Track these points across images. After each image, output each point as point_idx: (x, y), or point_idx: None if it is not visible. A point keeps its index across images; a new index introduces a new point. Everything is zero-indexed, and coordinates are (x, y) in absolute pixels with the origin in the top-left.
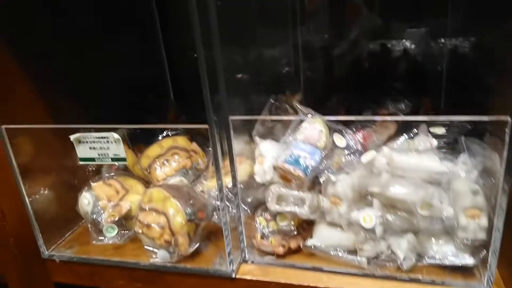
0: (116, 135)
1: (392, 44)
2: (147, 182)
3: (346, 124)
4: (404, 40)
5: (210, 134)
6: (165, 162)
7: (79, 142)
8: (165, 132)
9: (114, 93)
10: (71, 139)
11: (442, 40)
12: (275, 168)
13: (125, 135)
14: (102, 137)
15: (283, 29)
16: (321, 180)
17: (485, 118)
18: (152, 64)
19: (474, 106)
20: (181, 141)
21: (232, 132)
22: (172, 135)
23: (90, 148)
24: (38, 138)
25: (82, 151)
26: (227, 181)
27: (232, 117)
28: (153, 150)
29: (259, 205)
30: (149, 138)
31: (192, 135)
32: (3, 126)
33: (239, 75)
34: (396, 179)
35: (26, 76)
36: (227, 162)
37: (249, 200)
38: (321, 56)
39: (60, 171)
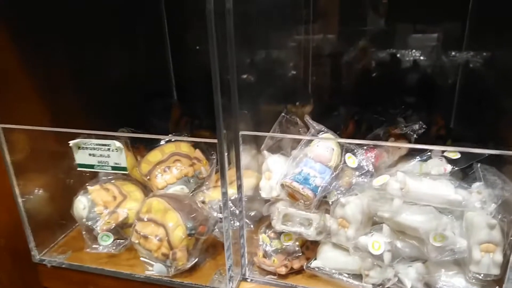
0: (118, 144)
1: (404, 56)
2: (146, 188)
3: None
4: (414, 51)
5: (218, 149)
6: (166, 169)
7: (79, 148)
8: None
9: (117, 92)
10: (70, 145)
11: (456, 54)
12: (283, 185)
13: (127, 142)
14: (103, 145)
15: (294, 40)
16: (330, 201)
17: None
18: (156, 63)
19: (487, 124)
20: (184, 147)
21: (241, 147)
22: (175, 140)
23: (90, 154)
24: (34, 137)
25: (81, 157)
26: (231, 192)
27: (242, 132)
28: (154, 156)
29: (262, 221)
30: (150, 139)
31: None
32: (0, 125)
33: (248, 80)
34: (409, 205)
35: (26, 73)
36: (231, 172)
37: (252, 213)
38: (331, 68)
39: (56, 171)
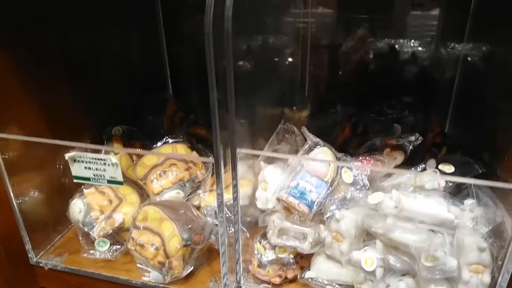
0: (114, 159)
1: (402, 48)
2: (141, 188)
3: (354, 152)
4: (413, 41)
5: (215, 167)
6: (162, 173)
7: (74, 160)
8: (164, 139)
9: (112, 88)
10: (66, 158)
11: (455, 45)
12: (279, 199)
13: (123, 140)
14: (98, 159)
15: (291, 42)
16: (325, 216)
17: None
18: (152, 58)
19: (484, 126)
20: (181, 150)
21: (238, 165)
22: (172, 142)
23: (86, 168)
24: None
25: (77, 170)
26: (226, 198)
27: (239, 150)
28: (150, 158)
29: (257, 228)
30: (146, 136)
31: (192, 145)
32: None
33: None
34: (402, 221)
35: (17, 72)
36: (227, 175)
37: (248, 219)
38: (329, 60)
39: (50, 171)
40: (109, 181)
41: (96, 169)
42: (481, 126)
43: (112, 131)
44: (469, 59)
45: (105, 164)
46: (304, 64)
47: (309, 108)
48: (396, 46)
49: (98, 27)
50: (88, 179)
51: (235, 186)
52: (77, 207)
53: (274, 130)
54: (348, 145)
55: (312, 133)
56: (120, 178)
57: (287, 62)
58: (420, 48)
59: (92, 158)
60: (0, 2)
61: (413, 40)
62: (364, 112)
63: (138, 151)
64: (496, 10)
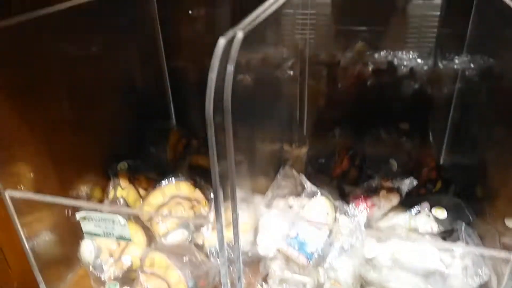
0: (122, 220)
1: (399, 65)
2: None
3: (350, 191)
4: (411, 56)
5: (214, 202)
6: (167, 215)
7: (85, 218)
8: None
9: (115, 122)
10: (77, 218)
11: (455, 57)
12: (279, 251)
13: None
14: (107, 219)
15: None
16: (324, 265)
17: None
18: (154, 87)
19: (478, 160)
20: (184, 188)
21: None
22: (176, 181)
23: (95, 225)
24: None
25: (87, 227)
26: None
27: (239, 193)
28: (155, 198)
29: (259, 267)
30: (150, 167)
31: (195, 182)
32: (7, 192)
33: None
34: (395, 271)
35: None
36: (228, 213)
37: (249, 256)
38: (327, 79)
39: (59, 208)
40: (117, 238)
41: (105, 227)
42: (475, 155)
43: (117, 167)
44: (467, 73)
45: (113, 223)
46: (302, 80)
47: (308, 144)
48: (393, 62)
49: (99, 58)
50: (98, 235)
51: (235, 220)
52: (87, 249)
53: (273, 165)
54: (346, 176)
55: (311, 161)
56: (128, 236)
57: (286, 76)
58: (418, 65)
59: (102, 218)
60: None
61: (410, 54)
62: (361, 137)
63: (142, 212)
64: (493, 27)
